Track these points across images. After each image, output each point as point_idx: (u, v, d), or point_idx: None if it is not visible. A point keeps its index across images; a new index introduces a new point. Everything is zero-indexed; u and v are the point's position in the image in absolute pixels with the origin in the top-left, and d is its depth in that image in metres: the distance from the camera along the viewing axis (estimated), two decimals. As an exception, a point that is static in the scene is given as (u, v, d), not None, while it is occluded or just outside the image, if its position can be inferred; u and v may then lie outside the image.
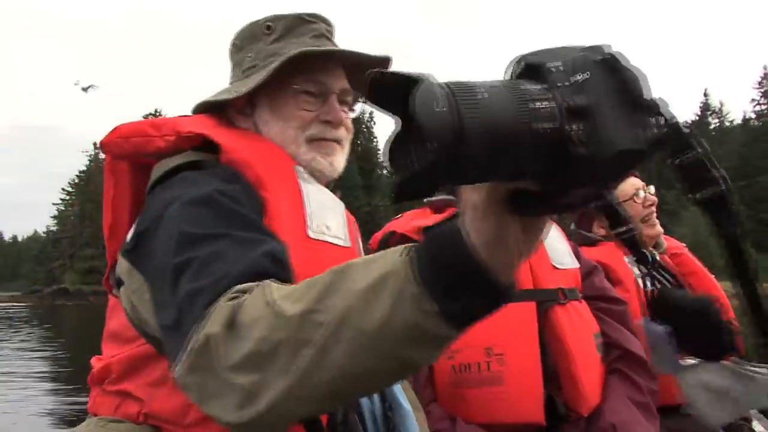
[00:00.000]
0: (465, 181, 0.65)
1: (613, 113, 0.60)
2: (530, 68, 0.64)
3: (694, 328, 1.86)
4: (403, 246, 0.77)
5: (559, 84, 0.62)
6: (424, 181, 0.61)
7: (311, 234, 1.23)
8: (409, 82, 0.60)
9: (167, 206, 1.11)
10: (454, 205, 2.03)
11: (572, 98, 0.61)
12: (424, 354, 0.76)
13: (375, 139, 77.94)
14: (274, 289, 0.85)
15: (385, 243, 2.03)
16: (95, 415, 1.24)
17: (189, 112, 1.43)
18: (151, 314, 1.09)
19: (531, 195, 0.66)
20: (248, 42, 1.42)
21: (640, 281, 2.30)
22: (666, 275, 2.34)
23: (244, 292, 0.89)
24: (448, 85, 0.60)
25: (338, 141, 1.39)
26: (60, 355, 15.06)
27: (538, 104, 0.61)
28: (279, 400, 0.80)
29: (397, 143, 0.64)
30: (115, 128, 1.29)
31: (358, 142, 73.81)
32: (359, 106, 1.44)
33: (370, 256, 0.79)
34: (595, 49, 0.63)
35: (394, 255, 0.76)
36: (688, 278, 2.33)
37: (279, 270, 0.97)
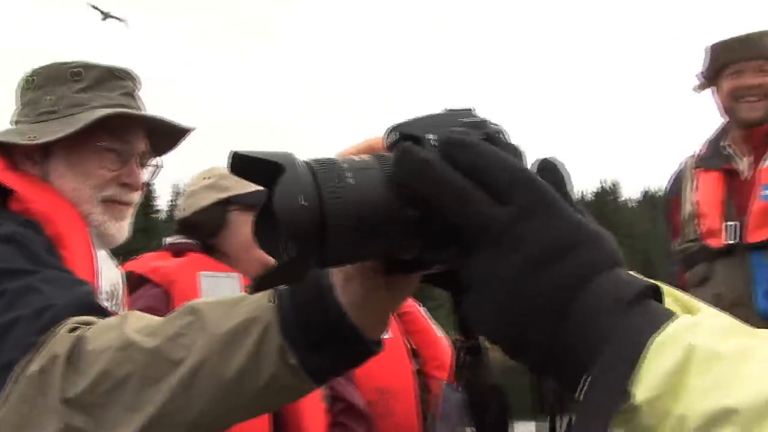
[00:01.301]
0: (334, 266, 0.64)
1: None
2: (405, 140, 0.60)
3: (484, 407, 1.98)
4: (271, 291, 0.73)
5: None
6: (290, 272, 0.58)
7: (101, 301, 1.19)
8: (272, 166, 0.56)
9: None
10: (193, 249, 2.06)
11: None
12: (282, 402, 0.76)
13: (153, 183, 73.85)
14: (133, 320, 0.79)
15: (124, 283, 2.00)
16: None
17: None
18: None
19: (401, 260, 0.63)
20: (50, 83, 1.34)
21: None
22: None
23: (85, 324, 0.83)
24: (313, 169, 0.56)
25: (131, 204, 1.36)
26: None
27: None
28: None
29: (263, 218, 0.61)
30: None
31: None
32: (150, 170, 1.44)
33: (232, 297, 0.76)
34: (476, 124, 0.60)
35: (261, 300, 0.73)
36: (413, 336, 2.42)
37: (103, 311, 0.91)
